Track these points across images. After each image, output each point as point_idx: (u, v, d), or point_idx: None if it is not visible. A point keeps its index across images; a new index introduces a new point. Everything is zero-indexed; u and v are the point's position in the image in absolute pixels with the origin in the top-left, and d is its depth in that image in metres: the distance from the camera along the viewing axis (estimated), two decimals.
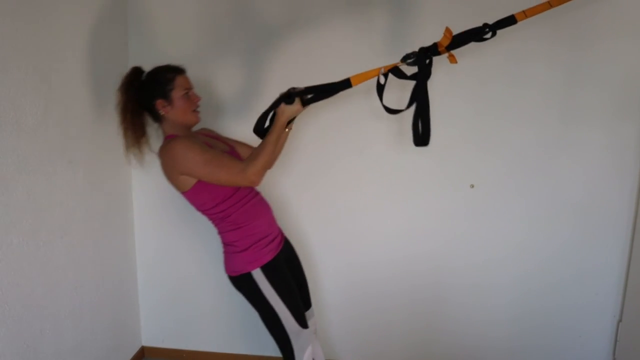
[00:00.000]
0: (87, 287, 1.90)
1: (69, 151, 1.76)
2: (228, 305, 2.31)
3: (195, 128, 1.73)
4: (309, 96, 1.56)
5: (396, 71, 1.52)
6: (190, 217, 2.24)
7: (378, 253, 2.18)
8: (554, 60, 1.92)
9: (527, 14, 1.50)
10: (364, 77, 1.51)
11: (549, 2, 1.52)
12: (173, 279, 2.33)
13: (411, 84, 1.53)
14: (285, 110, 1.52)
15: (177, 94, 1.59)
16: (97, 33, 1.92)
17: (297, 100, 1.52)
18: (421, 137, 1.49)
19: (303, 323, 1.66)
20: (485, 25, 1.49)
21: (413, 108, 1.49)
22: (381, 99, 1.52)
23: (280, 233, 1.77)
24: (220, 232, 1.68)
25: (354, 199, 2.14)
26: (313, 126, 2.07)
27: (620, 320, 2.07)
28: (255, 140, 1.65)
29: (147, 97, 1.59)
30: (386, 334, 2.26)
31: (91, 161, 1.91)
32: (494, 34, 1.51)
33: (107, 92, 2.02)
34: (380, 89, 1.52)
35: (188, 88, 1.63)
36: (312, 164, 2.13)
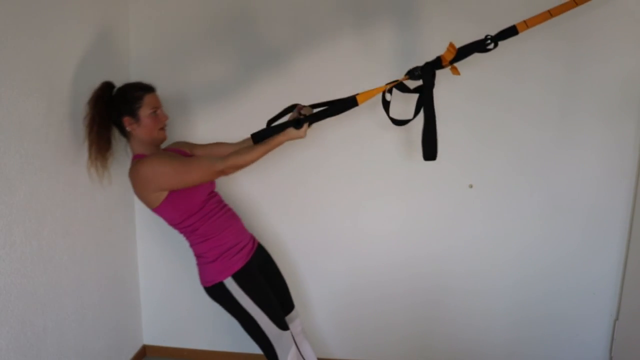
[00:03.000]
0: (89, 286, 1.92)
1: (72, 152, 1.77)
2: None
3: (165, 144, 1.77)
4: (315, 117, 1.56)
5: (400, 85, 1.56)
6: None
7: (377, 255, 2.19)
8: (553, 60, 1.93)
9: (528, 24, 1.52)
10: (369, 94, 1.53)
11: (549, 11, 1.54)
12: (174, 278, 2.34)
13: (415, 96, 1.56)
14: (290, 133, 1.53)
15: (144, 112, 1.62)
16: (98, 35, 1.93)
17: (305, 126, 1.52)
18: (429, 152, 1.53)
19: (282, 326, 1.69)
20: (487, 37, 1.52)
21: (421, 122, 1.51)
22: (388, 113, 1.55)
23: (252, 240, 1.80)
24: (191, 245, 1.72)
25: (353, 200, 2.15)
26: (314, 129, 2.07)
27: (617, 319, 2.09)
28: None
29: (115, 113, 1.63)
30: (386, 336, 2.27)
31: None
32: (495, 45, 1.53)
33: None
34: (386, 104, 1.55)
35: (156, 107, 1.66)
36: (310, 163, 2.14)
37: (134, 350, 2.35)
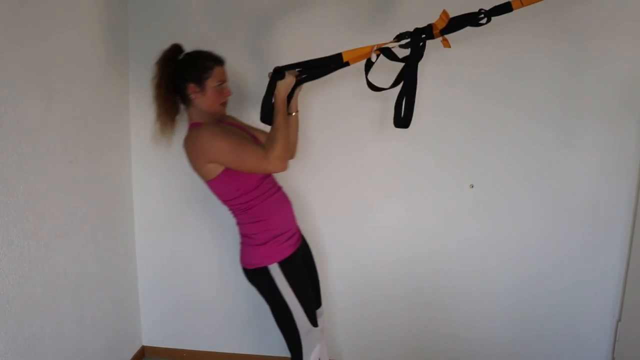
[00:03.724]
0: (87, 287, 1.91)
1: (70, 151, 1.76)
2: (228, 305, 2.32)
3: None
4: (303, 76, 1.55)
5: (388, 52, 1.52)
6: (191, 217, 2.26)
7: (377, 255, 2.19)
8: (555, 59, 1.92)
9: (523, 2, 1.51)
10: (356, 52, 1.51)
11: None
12: (173, 279, 2.33)
13: (400, 66, 1.53)
14: (280, 85, 1.51)
15: (211, 83, 1.58)
16: (97, 33, 1.92)
17: (288, 74, 1.51)
18: (402, 119, 1.49)
19: (314, 321, 1.66)
20: (481, 10, 1.50)
21: (398, 89, 1.49)
22: (367, 74, 1.52)
23: (299, 231, 1.77)
24: (239, 224, 1.67)
25: (353, 201, 2.15)
26: (311, 125, 2.07)
27: (619, 320, 2.08)
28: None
29: (181, 78, 1.58)
30: (386, 336, 2.26)
31: (92, 161, 1.92)
32: (489, 20, 1.51)
33: (108, 93, 2.03)
34: (368, 65, 1.52)
35: (223, 80, 1.62)
36: (309, 164, 2.13)
37: (132, 351, 2.34)
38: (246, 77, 2.08)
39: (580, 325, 2.13)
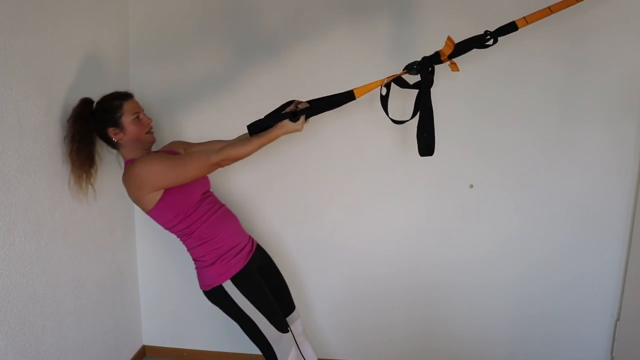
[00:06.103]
0: (88, 286, 1.91)
1: None
2: None
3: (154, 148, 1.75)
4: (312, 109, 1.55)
5: (398, 80, 1.54)
6: None
7: (376, 254, 2.19)
8: (554, 60, 1.93)
9: (527, 20, 1.51)
10: (367, 88, 1.52)
11: (549, 8, 1.53)
12: (174, 278, 2.34)
13: (414, 92, 1.54)
14: (287, 126, 1.51)
15: (127, 119, 1.61)
16: (97, 34, 1.93)
17: (302, 119, 1.51)
18: (426, 147, 1.50)
19: (282, 328, 1.69)
20: (487, 32, 1.51)
21: (417, 119, 1.50)
22: (386, 111, 1.52)
23: (251, 241, 1.78)
24: (188, 249, 1.71)
25: (354, 199, 2.15)
26: (312, 127, 2.07)
27: (618, 320, 2.08)
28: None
29: (99, 127, 1.63)
30: (386, 335, 2.27)
31: None
32: (495, 41, 1.52)
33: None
34: (384, 100, 1.52)
35: (137, 111, 1.65)
36: (310, 165, 2.14)
37: (133, 350, 2.34)
38: (250, 95, 2.08)
39: (579, 325, 2.13)
